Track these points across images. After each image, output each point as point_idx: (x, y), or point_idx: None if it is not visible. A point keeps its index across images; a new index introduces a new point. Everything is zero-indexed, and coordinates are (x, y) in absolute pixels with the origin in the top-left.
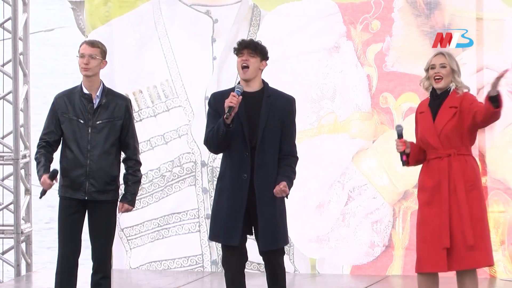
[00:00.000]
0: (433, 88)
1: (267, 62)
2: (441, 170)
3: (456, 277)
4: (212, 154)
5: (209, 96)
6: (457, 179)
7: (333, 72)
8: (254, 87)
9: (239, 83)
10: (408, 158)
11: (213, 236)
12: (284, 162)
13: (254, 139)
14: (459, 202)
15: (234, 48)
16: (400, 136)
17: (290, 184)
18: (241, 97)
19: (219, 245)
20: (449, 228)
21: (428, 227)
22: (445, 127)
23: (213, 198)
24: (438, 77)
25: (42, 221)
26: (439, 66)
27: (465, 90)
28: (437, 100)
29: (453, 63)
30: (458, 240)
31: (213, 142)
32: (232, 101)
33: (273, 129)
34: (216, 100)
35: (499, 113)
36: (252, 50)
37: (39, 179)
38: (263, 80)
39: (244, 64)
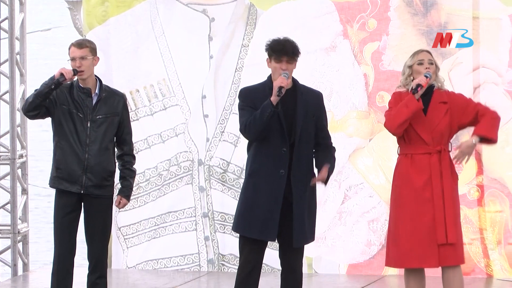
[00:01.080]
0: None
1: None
2: (433, 166)
3: (441, 274)
4: (209, 153)
5: (206, 95)
6: (447, 176)
7: (329, 71)
8: (288, 84)
9: (269, 76)
10: (418, 92)
11: (246, 231)
12: (324, 152)
13: (292, 135)
14: (448, 199)
15: (271, 49)
16: (427, 77)
17: (332, 168)
18: (290, 79)
19: (216, 244)
20: (443, 225)
21: (417, 223)
22: (440, 123)
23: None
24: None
25: (46, 222)
26: (427, 62)
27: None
28: (424, 95)
29: (436, 61)
30: (447, 236)
31: (255, 126)
32: (283, 82)
33: (309, 125)
34: (249, 93)
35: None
36: (291, 57)
37: (49, 81)
38: (292, 77)
39: (284, 74)
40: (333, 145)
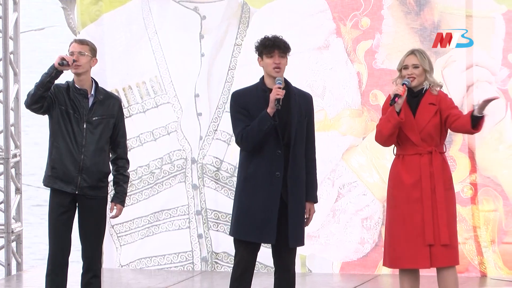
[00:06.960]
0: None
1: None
2: (423, 166)
3: (436, 274)
4: (202, 151)
5: (199, 94)
6: (438, 176)
7: (323, 70)
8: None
9: (262, 78)
10: (396, 102)
11: (243, 235)
12: (309, 169)
13: (286, 136)
14: (440, 200)
15: (262, 46)
16: (405, 85)
17: (316, 199)
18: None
19: (209, 242)
20: (432, 225)
21: (409, 223)
22: (428, 124)
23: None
24: (411, 78)
25: (40, 220)
26: (411, 67)
27: (438, 88)
28: (415, 97)
29: (425, 63)
30: (439, 237)
31: (253, 138)
32: (279, 93)
33: (302, 126)
34: (240, 97)
35: (473, 132)
36: (282, 51)
37: (49, 70)
38: (284, 78)
39: (277, 68)
40: (322, 147)
